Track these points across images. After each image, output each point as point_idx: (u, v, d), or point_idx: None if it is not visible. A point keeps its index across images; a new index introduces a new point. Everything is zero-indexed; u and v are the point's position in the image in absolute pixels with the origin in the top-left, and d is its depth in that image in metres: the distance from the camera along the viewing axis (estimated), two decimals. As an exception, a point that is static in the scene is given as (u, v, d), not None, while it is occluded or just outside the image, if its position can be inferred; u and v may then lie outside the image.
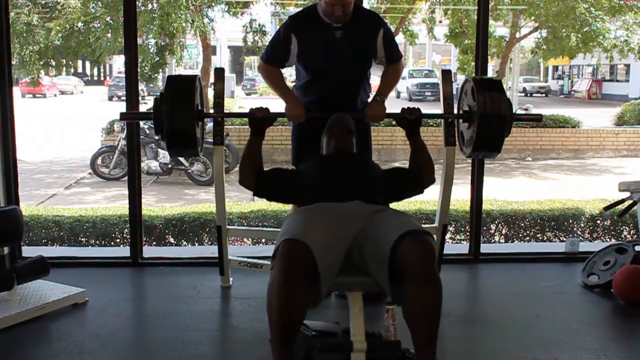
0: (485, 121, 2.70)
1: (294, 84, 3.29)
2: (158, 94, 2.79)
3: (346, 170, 2.59)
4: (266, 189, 2.70)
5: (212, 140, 3.04)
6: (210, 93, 3.24)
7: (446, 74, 3.13)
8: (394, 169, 2.78)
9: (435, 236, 3.16)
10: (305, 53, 3.03)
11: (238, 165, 2.77)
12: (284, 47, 3.04)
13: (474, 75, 3.27)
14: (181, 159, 9.25)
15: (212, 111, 2.99)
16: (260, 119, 2.77)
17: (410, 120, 2.77)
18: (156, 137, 9.36)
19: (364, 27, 3.03)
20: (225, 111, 3.03)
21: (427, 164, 2.73)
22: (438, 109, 3.09)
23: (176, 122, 2.67)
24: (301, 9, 3.33)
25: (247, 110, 2.83)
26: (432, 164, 2.74)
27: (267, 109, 2.80)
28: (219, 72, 3.11)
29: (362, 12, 3.09)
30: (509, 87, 16.53)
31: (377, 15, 3.27)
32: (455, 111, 2.99)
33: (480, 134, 2.72)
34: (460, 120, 2.95)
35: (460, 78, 20.84)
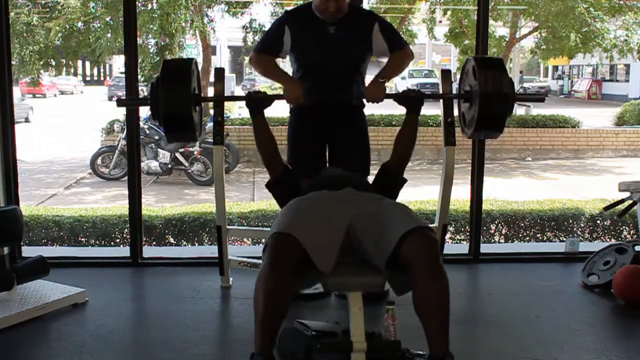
0: (487, 99, 2.66)
1: None
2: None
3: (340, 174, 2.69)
4: (279, 194, 2.72)
5: (212, 140, 3.04)
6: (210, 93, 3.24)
7: (446, 74, 3.12)
8: (378, 178, 2.76)
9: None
10: (298, 47, 3.03)
11: (258, 152, 2.78)
12: (277, 37, 3.04)
13: (475, 55, 3.21)
14: (181, 159, 9.27)
15: (211, 112, 2.99)
16: (258, 100, 2.80)
17: (411, 97, 2.80)
18: (156, 137, 9.42)
19: (358, 22, 3.04)
20: (224, 112, 3.03)
21: (408, 150, 2.79)
22: (438, 109, 3.09)
23: (173, 105, 2.66)
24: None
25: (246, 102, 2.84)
26: (411, 150, 2.80)
27: (264, 92, 2.84)
28: (219, 72, 3.11)
29: (356, 10, 3.10)
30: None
31: (371, 11, 3.28)
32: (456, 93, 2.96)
33: (481, 112, 2.68)
34: (462, 101, 2.91)
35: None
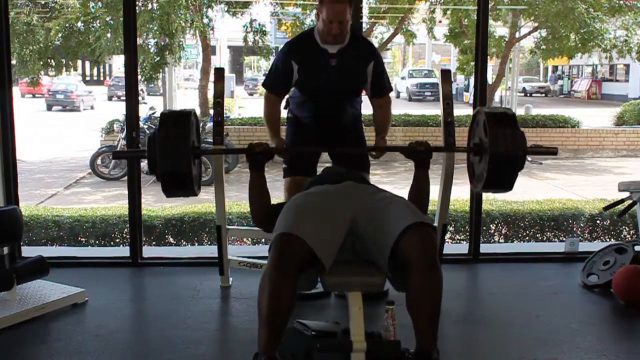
0: (497, 160, 2.57)
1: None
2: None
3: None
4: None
5: (212, 141, 3.03)
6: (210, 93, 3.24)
7: (445, 74, 3.12)
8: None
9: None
10: (302, 77, 3.07)
11: (250, 208, 2.60)
12: (285, 76, 3.07)
13: (486, 107, 3.05)
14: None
15: (211, 112, 2.98)
16: (259, 153, 2.56)
17: (419, 151, 2.63)
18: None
19: (357, 55, 3.06)
20: (224, 111, 3.02)
21: (422, 203, 2.58)
22: (437, 109, 3.09)
23: (171, 164, 2.47)
24: (298, 33, 3.38)
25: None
26: (426, 202, 2.66)
27: (266, 144, 2.60)
28: (219, 72, 3.11)
29: (358, 41, 3.11)
30: (509, 87, 16.52)
31: (372, 45, 3.25)
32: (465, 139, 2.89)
33: (491, 173, 2.60)
34: (472, 153, 2.82)
35: (459, 78, 20.81)
